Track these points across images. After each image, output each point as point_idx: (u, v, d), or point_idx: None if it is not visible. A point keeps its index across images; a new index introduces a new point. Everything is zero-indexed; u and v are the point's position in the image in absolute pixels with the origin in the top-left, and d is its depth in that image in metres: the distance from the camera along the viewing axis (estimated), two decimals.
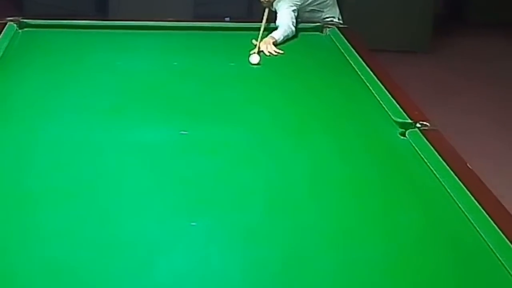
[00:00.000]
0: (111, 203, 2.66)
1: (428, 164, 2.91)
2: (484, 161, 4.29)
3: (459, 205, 2.62)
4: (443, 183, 2.77)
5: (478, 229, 2.46)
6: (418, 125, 3.20)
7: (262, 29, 4.33)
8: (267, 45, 4.24)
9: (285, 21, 4.46)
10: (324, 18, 4.81)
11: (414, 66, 7.43)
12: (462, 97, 6.82)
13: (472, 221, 2.51)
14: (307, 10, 4.77)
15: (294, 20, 4.52)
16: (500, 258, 2.31)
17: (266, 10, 4.48)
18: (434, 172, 2.85)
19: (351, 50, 4.22)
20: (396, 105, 3.42)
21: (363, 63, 3.99)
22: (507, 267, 2.27)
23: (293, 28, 4.50)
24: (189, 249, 2.38)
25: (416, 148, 3.05)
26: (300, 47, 4.44)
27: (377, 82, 3.71)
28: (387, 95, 3.55)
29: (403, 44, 7.82)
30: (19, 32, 4.38)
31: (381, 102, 3.50)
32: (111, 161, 2.98)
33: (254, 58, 4.07)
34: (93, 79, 3.82)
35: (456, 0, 9.01)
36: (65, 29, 4.55)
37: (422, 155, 2.98)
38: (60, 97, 3.57)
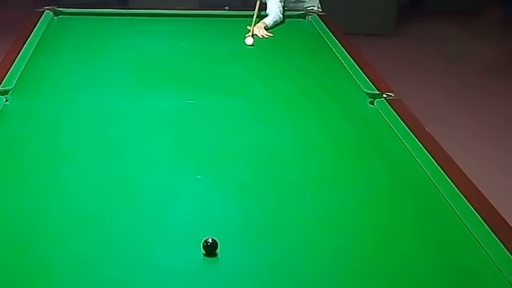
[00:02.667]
0: (130, 159, 2.66)
1: (392, 128, 2.90)
2: (439, 125, 4.27)
3: (418, 161, 2.62)
4: (405, 144, 2.76)
5: (433, 181, 2.48)
6: (384, 95, 3.19)
7: (255, 16, 4.30)
8: (259, 29, 4.22)
9: (274, 10, 4.44)
10: (307, 7, 4.78)
11: (382, 47, 7.38)
12: (421, 72, 6.80)
13: (429, 175, 2.52)
14: (292, 1, 4.76)
15: (282, 9, 4.50)
16: (452, 205, 2.32)
17: (258, 1, 4.44)
18: (398, 134, 2.84)
19: (329, 33, 4.19)
20: (366, 79, 3.40)
21: (338, 44, 3.97)
22: (456, 211, 2.28)
23: (281, 15, 4.47)
24: (195, 198, 2.38)
25: (383, 114, 3.04)
26: (287, 31, 4.40)
27: (350, 60, 3.69)
28: (358, 70, 3.53)
29: (373, 28, 7.77)
30: (54, 19, 4.35)
31: (353, 76, 3.48)
32: (130, 125, 2.97)
33: (249, 40, 4.06)
34: (116, 57, 3.80)
35: None
36: (93, 16, 4.50)
37: (387, 120, 2.97)
38: (88, 72, 3.55)
